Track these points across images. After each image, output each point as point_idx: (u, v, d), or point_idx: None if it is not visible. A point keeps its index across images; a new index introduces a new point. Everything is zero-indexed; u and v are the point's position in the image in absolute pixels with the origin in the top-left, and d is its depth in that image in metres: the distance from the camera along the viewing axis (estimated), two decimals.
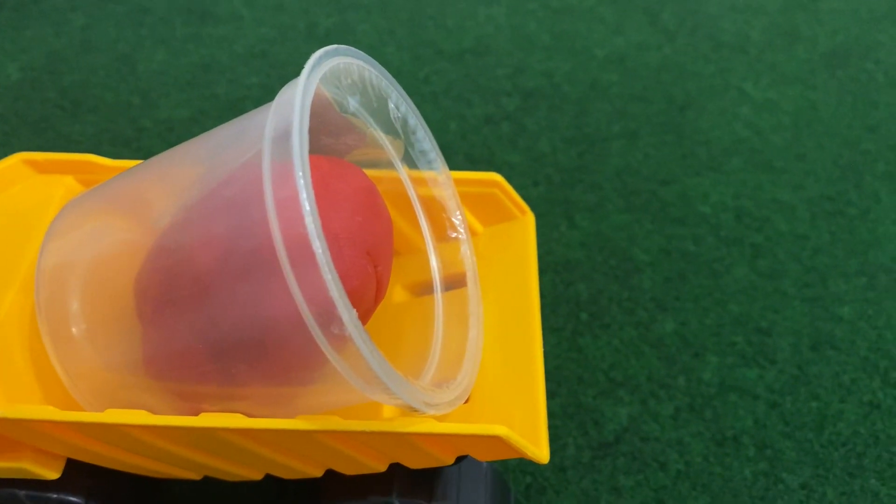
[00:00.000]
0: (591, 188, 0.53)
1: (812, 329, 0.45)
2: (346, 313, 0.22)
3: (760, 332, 0.45)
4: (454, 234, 0.34)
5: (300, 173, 0.22)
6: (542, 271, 0.48)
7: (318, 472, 0.30)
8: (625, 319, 0.45)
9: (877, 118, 0.59)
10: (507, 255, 0.35)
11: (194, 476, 0.32)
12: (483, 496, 0.30)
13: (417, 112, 0.33)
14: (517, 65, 0.62)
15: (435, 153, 0.33)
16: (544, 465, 0.39)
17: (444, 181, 0.34)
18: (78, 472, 0.31)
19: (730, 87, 0.61)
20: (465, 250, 0.34)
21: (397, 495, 0.30)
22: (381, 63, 0.53)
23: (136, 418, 0.26)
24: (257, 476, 0.31)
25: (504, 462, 0.40)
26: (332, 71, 0.27)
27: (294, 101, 0.23)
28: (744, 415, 0.42)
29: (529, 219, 0.36)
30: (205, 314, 0.25)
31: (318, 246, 0.21)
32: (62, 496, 0.30)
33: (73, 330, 0.27)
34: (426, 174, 0.34)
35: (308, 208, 0.21)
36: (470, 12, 0.66)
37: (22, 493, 0.30)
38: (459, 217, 0.34)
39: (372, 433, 0.26)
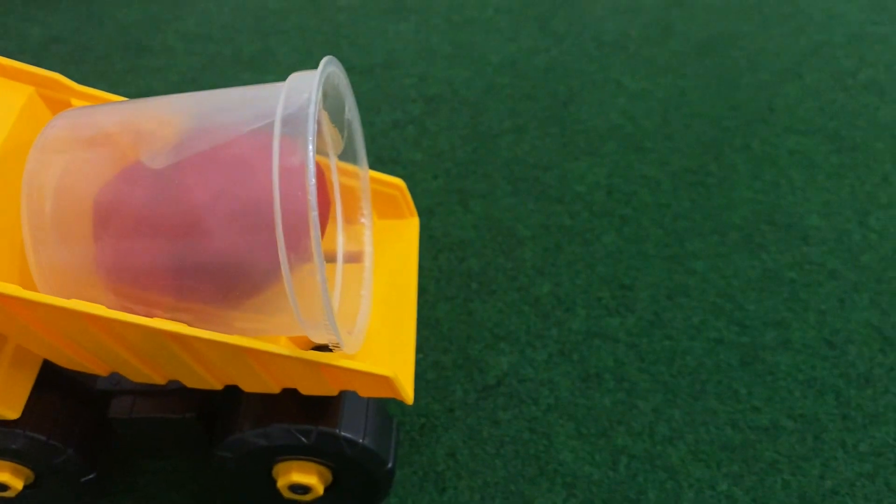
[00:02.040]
0: (483, 178, 0.60)
1: (669, 282, 0.53)
2: (320, 260, 0.28)
3: (623, 287, 0.53)
4: (362, 220, 0.42)
5: (311, 138, 0.28)
6: (440, 251, 0.55)
7: (219, 386, 0.36)
8: (508, 285, 0.53)
9: (738, 98, 0.67)
10: (396, 245, 0.42)
11: (104, 371, 0.36)
12: (363, 421, 0.37)
13: (359, 120, 0.40)
14: (421, 74, 0.69)
15: (363, 154, 0.41)
16: (436, 408, 0.47)
17: (363, 177, 0.41)
18: (41, 413, 0.37)
19: (609, 81, 0.69)
20: (367, 235, 0.41)
21: (292, 421, 0.37)
22: None
23: (93, 309, 0.30)
24: (161, 380, 0.36)
25: (401, 407, 0.47)
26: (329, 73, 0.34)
27: (311, 92, 0.29)
28: (606, 356, 0.49)
29: (416, 220, 0.44)
30: (187, 240, 0.30)
31: (312, 183, 0.28)
32: (28, 433, 0.36)
33: (46, 227, 0.31)
34: (351, 168, 0.41)
35: (311, 170, 0.28)
36: (380, 30, 0.74)
37: None
38: (368, 209, 0.41)
39: (293, 359, 0.32)
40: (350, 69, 0.69)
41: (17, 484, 0.39)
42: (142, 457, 0.43)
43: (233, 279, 0.31)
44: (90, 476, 0.39)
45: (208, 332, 0.31)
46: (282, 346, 0.32)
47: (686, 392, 0.47)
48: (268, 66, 0.69)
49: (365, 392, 0.35)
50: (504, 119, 0.65)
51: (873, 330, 0.51)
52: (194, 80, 0.68)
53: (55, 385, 0.39)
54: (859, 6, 0.77)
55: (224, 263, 0.30)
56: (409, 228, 0.43)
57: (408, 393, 0.35)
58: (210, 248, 0.30)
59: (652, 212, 0.58)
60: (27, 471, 0.39)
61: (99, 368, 0.35)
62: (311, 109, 0.29)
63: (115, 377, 0.39)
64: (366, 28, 0.74)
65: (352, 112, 0.39)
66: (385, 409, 0.40)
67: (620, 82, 0.68)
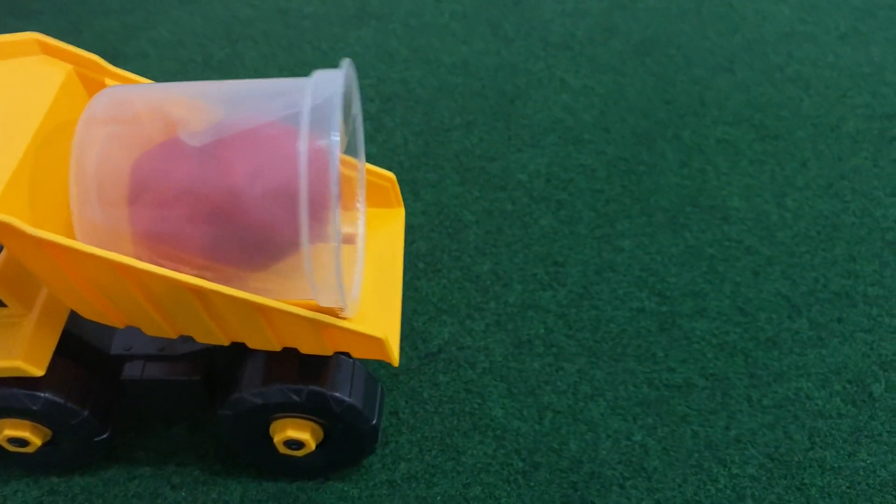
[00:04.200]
0: (434, 169, 0.65)
1: (598, 259, 0.58)
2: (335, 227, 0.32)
3: (557, 264, 0.58)
4: (357, 206, 0.46)
5: (335, 124, 0.33)
6: None
7: (226, 341, 0.39)
8: (452, 265, 0.58)
9: (673, 93, 0.72)
10: (384, 231, 0.47)
11: (122, 323, 0.39)
12: (349, 382, 0.42)
13: (361, 117, 0.44)
14: (380, 76, 0.74)
15: (362, 148, 0.45)
16: (382, 373, 0.52)
17: (360, 168, 0.46)
18: (60, 377, 0.41)
19: (554, 78, 0.74)
20: (361, 220, 0.46)
21: (285, 382, 0.41)
22: None
23: (127, 260, 0.33)
24: (173, 334, 0.39)
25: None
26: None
27: (335, 87, 0.34)
28: (538, 325, 0.54)
29: (402, 210, 0.49)
30: (225, 211, 0.34)
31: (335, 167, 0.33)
32: (48, 396, 0.41)
33: (90, 188, 0.34)
34: (351, 160, 0.45)
35: (336, 154, 0.32)
36: (342, 35, 0.79)
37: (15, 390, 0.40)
38: (363, 197, 0.46)
39: (302, 318, 0.36)
40: (311, 72, 0.74)
41: (37, 441, 0.43)
42: (149, 418, 0.48)
43: (260, 247, 0.35)
44: (104, 436, 0.43)
45: (230, 289, 0.35)
46: (292, 306, 0.36)
47: (608, 355, 0.52)
48: (236, 71, 0.75)
49: (357, 353, 0.40)
50: (455, 115, 0.70)
51: (783, 298, 0.56)
52: None
53: (71, 350, 0.43)
54: (790, 6, 0.83)
55: (255, 233, 0.35)
56: (396, 217, 0.48)
57: (395, 355, 0.40)
58: (245, 219, 0.34)
59: (586, 196, 0.63)
60: (46, 430, 0.43)
61: (118, 320, 0.39)
62: (336, 100, 0.34)
63: (126, 343, 0.44)
64: (329, 34, 0.79)
65: (357, 109, 0.43)
66: (371, 373, 0.44)
67: (564, 80, 0.74)
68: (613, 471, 0.47)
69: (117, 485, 0.46)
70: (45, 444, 0.44)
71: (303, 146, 0.33)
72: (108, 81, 0.41)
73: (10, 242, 0.33)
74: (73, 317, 0.43)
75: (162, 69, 0.75)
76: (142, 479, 0.47)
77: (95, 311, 0.38)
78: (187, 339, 0.44)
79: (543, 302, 0.55)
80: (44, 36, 0.39)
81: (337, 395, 0.41)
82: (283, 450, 0.44)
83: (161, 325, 0.39)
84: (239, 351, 0.43)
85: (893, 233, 0.60)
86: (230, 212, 0.34)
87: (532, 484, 0.46)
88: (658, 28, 0.80)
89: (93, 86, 0.41)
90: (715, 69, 0.75)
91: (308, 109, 0.34)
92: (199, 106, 0.36)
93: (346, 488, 0.46)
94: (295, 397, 0.41)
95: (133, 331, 0.44)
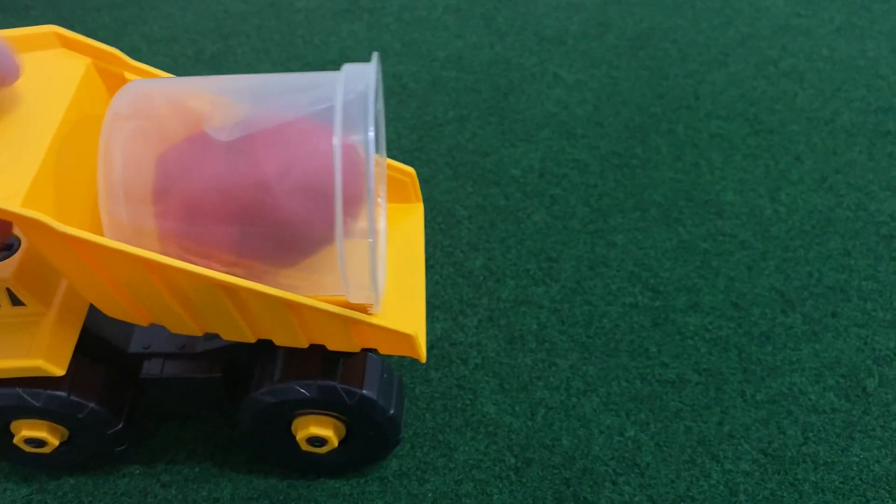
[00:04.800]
0: (427, 164, 0.65)
1: (591, 254, 0.58)
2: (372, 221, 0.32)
3: (550, 259, 0.58)
4: (379, 201, 0.46)
5: (371, 125, 0.32)
6: None
7: (253, 338, 0.38)
8: (445, 260, 0.58)
9: (666, 87, 0.72)
10: (404, 225, 0.46)
11: (146, 321, 0.38)
12: (361, 374, 0.41)
13: (384, 112, 0.44)
14: None
15: (384, 142, 0.44)
16: None
17: (382, 163, 0.45)
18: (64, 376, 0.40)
19: (547, 73, 0.74)
20: (383, 214, 0.45)
21: (304, 377, 0.41)
22: None
23: (157, 257, 0.33)
24: (198, 331, 0.38)
25: None
26: None
27: (366, 83, 0.33)
28: (530, 320, 0.54)
29: (421, 205, 0.48)
30: (255, 208, 0.33)
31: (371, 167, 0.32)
32: (48, 391, 0.40)
33: (117, 184, 0.34)
34: (375, 156, 0.44)
35: (372, 150, 0.32)
36: (334, 29, 0.79)
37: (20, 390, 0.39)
38: (384, 192, 0.46)
39: (332, 314, 0.35)
40: (304, 66, 0.74)
41: (54, 440, 0.42)
42: (169, 415, 0.48)
43: (291, 243, 0.34)
44: (118, 427, 0.43)
45: (262, 285, 0.34)
46: (323, 303, 0.36)
47: (601, 350, 0.52)
48: (228, 65, 0.74)
49: (385, 349, 0.39)
50: (448, 110, 0.70)
51: (776, 293, 0.56)
52: None
53: (89, 348, 0.43)
54: (785, 0, 0.83)
55: (286, 230, 0.33)
56: (415, 211, 0.47)
57: (423, 352, 0.39)
58: (276, 215, 0.34)
59: (579, 191, 0.62)
60: (62, 429, 0.43)
61: (143, 318, 0.38)
62: (370, 96, 0.33)
63: (145, 341, 0.43)
64: (321, 28, 0.79)
65: (381, 104, 0.42)
66: (386, 363, 0.44)
67: (558, 74, 0.73)
68: (606, 466, 0.47)
69: (107, 482, 0.46)
70: (63, 444, 0.44)
71: (337, 141, 0.32)
72: (127, 75, 0.40)
73: (38, 239, 0.32)
74: (91, 315, 0.42)
75: (154, 64, 0.74)
76: (132, 478, 0.46)
77: (121, 308, 0.37)
78: (209, 337, 0.43)
79: (536, 297, 0.55)
80: (62, 29, 0.38)
81: (349, 387, 0.41)
82: (305, 447, 0.44)
83: (187, 323, 0.38)
84: (259, 347, 0.43)
85: (888, 227, 0.60)
86: (259, 208, 0.34)
87: (524, 480, 0.46)
88: (652, 22, 0.79)
89: (112, 79, 0.40)
90: (709, 63, 0.75)
91: (341, 104, 0.33)
92: (224, 102, 0.36)
93: (337, 485, 0.46)
94: (305, 392, 0.41)
95: (152, 329, 0.44)
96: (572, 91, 0.71)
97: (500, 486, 0.46)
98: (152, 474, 0.46)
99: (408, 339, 0.38)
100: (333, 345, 0.39)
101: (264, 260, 0.35)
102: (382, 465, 0.47)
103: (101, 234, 0.35)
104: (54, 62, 0.38)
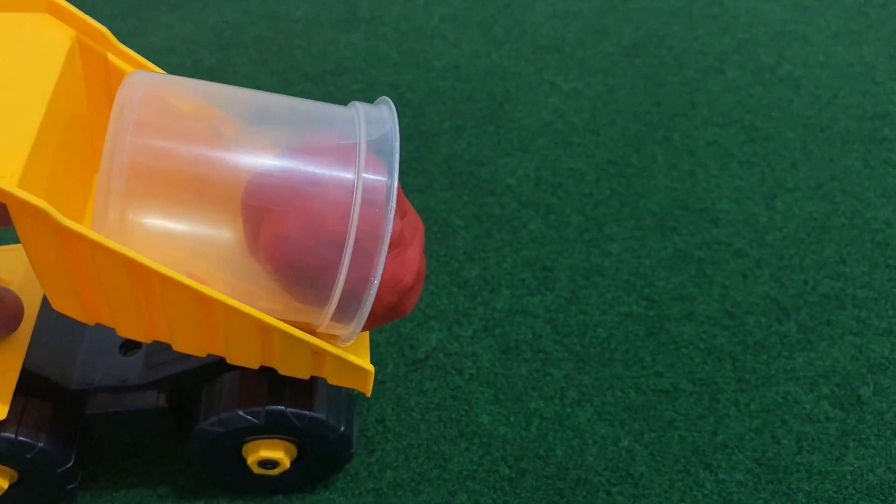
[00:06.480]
0: (422, 174, 0.65)
1: (586, 263, 0.58)
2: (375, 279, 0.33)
3: (545, 269, 0.58)
4: None
5: (395, 174, 0.35)
6: None
7: (203, 353, 0.37)
8: (440, 270, 0.58)
9: (663, 94, 0.72)
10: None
11: (91, 320, 0.36)
12: (308, 392, 0.41)
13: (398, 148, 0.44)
14: (369, 80, 0.74)
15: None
16: None
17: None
18: (10, 415, 0.40)
19: (543, 82, 0.74)
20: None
21: (250, 404, 0.41)
22: (256, 87, 0.66)
23: (127, 252, 0.31)
24: (147, 338, 0.36)
25: None
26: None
27: (390, 125, 0.36)
28: (525, 330, 0.54)
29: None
30: (269, 242, 0.33)
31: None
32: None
33: (123, 192, 0.32)
34: None
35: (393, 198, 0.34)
36: (332, 40, 0.79)
37: None
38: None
39: (304, 342, 0.35)
40: (302, 77, 0.74)
41: (3, 483, 0.41)
42: (119, 448, 0.48)
43: (291, 275, 0.34)
44: (68, 465, 0.42)
45: (243, 304, 0.33)
46: (298, 331, 0.35)
47: (595, 360, 0.52)
48: (226, 76, 0.74)
49: (333, 380, 0.39)
50: (444, 119, 0.70)
51: (771, 301, 0.56)
52: None
53: (30, 388, 0.42)
54: (782, 6, 0.83)
55: (293, 266, 0.33)
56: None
57: (370, 388, 0.40)
58: (286, 250, 0.33)
59: (575, 200, 0.63)
60: (10, 470, 0.42)
61: (93, 315, 0.36)
62: (394, 141, 0.36)
63: (88, 378, 0.42)
64: (319, 38, 0.79)
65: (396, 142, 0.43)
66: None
67: (554, 83, 0.74)
68: (600, 477, 0.47)
69: (104, 494, 0.46)
70: (12, 486, 0.43)
71: (354, 216, 0.33)
72: (110, 57, 0.38)
73: (29, 226, 0.30)
74: (31, 354, 0.41)
75: None
76: (129, 489, 0.47)
77: (75, 304, 0.35)
78: (149, 367, 0.43)
79: (531, 307, 0.55)
80: None
81: (298, 410, 0.41)
82: (257, 470, 0.44)
83: (140, 326, 0.36)
84: (203, 374, 0.43)
85: (884, 234, 0.60)
86: (276, 241, 0.33)
87: (518, 491, 0.46)
88: (649, 29, 0.80)
89: (92, 58, 0.37)
90: (706, 70, 0.75)
91: (363, 149, 0.35)
92: (243, 127, 0.34)
93: (332, 496, 0.46)
94: (255, 420, 0.40)
95: (93, 364, 0.43)
96: (568, 99, 0.72)
97: (495, 496, 0.46)
98: (149, 486, 0.47)
99: (365, 373, 0.38)
100: (287, 370, 0.39)
101: (251, 281, 0.35)
102: (377, 476, 0.47)
103: (80, 221, 0.34)
104: (38, 29, 0.35)
